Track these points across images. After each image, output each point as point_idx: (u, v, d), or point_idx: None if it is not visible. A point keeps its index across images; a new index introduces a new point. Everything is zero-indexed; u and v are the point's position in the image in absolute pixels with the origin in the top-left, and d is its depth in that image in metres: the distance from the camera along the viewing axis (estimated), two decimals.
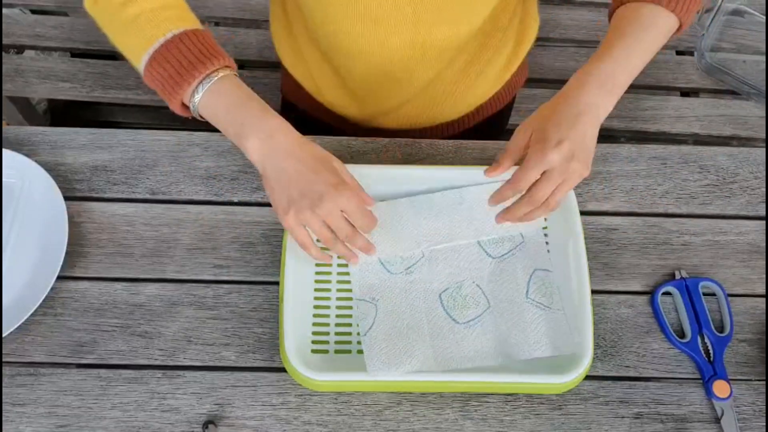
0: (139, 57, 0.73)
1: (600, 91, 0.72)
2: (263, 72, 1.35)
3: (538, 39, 1.02)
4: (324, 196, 0.69)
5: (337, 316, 0.78)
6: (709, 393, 0.75)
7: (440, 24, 0.83)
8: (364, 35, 0.84)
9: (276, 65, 1.07)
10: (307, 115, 1.07)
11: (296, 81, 1.03)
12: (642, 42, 0.74)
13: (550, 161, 0.70)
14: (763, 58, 1.31)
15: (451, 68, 0.93)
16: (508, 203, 0.76)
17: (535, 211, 0.74)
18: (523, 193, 0.74)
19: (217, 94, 0.72)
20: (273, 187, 0.71)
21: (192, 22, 0.75)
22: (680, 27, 0.77)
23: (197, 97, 0.72)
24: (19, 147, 0.88)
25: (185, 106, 0.74)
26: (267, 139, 0.70)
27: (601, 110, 0.72)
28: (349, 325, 0.77)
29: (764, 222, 0.87)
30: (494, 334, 0.76)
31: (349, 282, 0.80)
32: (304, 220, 0.71)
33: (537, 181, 0.72)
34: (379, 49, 0.86)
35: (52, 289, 0.78)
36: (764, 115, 1.27)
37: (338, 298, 0.79)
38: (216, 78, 0.72)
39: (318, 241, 0.74)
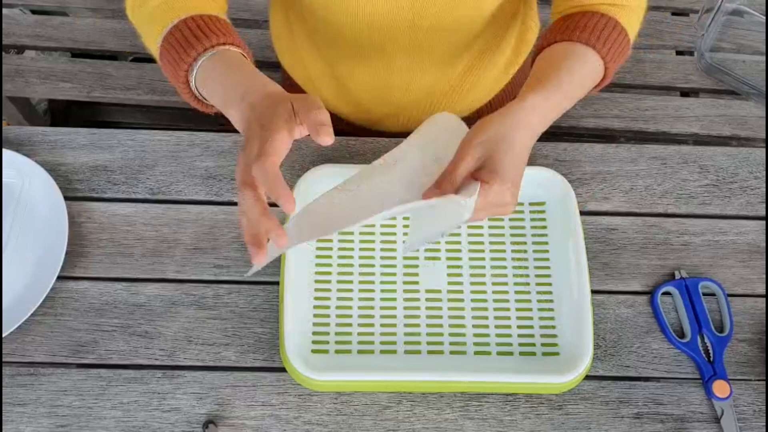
0: (156, 50, 0.71)
1: (536, 130, 0.68)
2: (263, 72, 1.34)
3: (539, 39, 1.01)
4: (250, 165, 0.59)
5: (337, 316, 0.78)
6: (708, 393, 0.75)
7: (439, 32, 0.83)
8: (364, 48, 0.83)
9: (276, 65, 1.07)
10: None
11: (296, 83, 1.03)
12: (572, 82, 0.70)
13: (503, 202, 0.65)
14: (763, 58, 1.30)
15: (450, 74, 0.93)
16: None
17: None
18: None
19: (209, 69, 0.68)
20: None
21: (203, 8, 0.71)
22: (604, 78, 0.74)
23: (192, 77, 0.69)
24: (19, 147, 0.88)
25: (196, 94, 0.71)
26: (239, 105, 0.64)
27: (531, 144, 0.68)
28: (350, 325, 0.77)
29: (764, 222, 0.87)
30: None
31: (349, 282, 0.79)
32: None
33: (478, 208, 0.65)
34: (378, 57, 0.86)
35: (52, 289, 0.78)
36: (764, 115, 1.27)
37: (338, 298, 0.79)
38: (210, 53, 0.67)
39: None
